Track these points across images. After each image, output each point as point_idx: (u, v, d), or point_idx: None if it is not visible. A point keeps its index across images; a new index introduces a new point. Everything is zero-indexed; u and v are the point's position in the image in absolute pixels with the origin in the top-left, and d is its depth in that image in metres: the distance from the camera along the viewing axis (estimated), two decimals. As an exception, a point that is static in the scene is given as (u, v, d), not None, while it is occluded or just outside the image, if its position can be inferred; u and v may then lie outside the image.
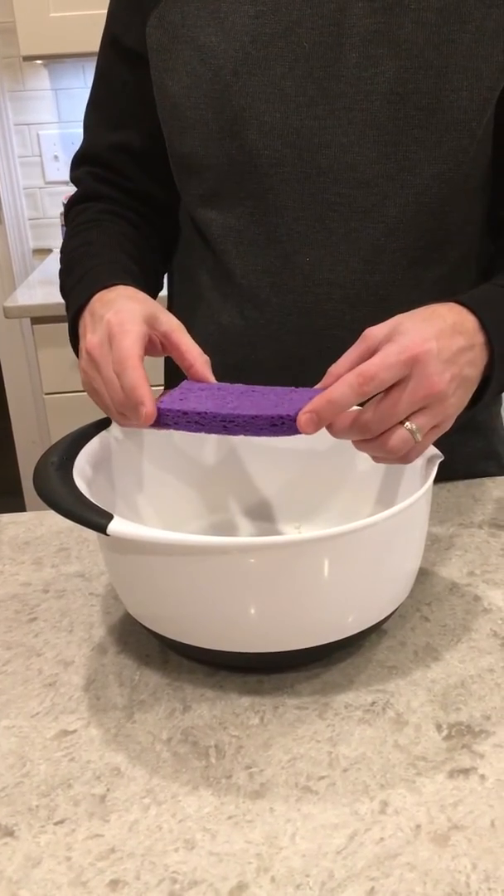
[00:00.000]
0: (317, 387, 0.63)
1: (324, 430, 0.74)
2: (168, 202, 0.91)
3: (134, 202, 0.91)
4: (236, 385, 0.66)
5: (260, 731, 0.57)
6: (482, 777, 0.53)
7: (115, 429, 0.71)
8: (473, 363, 0.65)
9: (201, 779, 0.54)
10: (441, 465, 0.65)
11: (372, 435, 0.60)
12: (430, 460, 0.65)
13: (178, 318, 0.90)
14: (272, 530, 0.77)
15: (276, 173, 0.80)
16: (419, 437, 0.61)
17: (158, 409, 0.62)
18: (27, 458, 2.62)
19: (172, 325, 0.69)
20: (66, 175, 2.32)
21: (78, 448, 0.66)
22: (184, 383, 0.68)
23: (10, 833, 0.51)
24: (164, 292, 1.00)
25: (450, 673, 0.62)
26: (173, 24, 0.80)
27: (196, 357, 0.68)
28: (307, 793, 0.52)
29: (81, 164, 0.93)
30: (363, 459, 0.73)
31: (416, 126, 0.77)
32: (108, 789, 0.53)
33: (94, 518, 0.56)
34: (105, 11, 0.88)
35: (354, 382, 0.58)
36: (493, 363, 0.67)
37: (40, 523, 0.86)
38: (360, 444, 0.62)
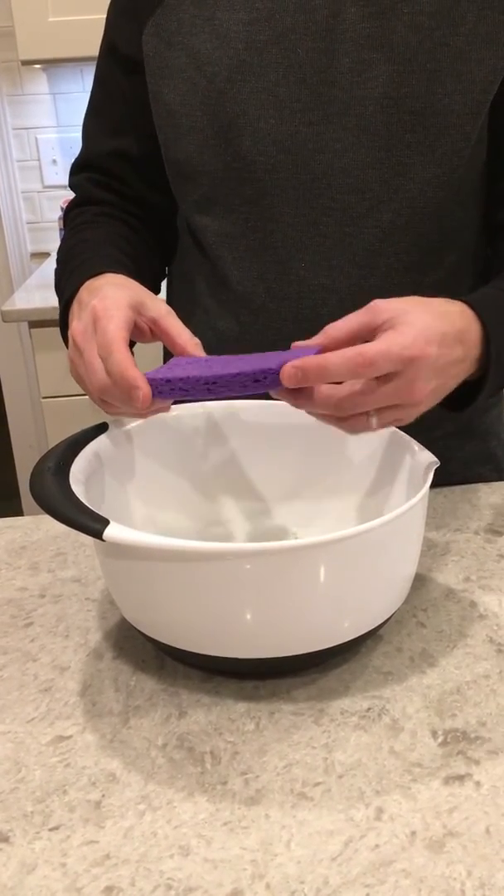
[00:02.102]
0: (310, 341, 0.62)
1: (319, 439, 0.74)
2: (166, 208, 0.91)
3: (133, 207, 0.91)
4: (225, 356, 0.65)
5: (255, 737, 0.57)
6: (477, 784, 0.53)
7: (111, 434, 0.71)
8: (458, 377, 0.66)
9: (196, 785, 0.54)
10: (438, 470, 0.65)
11: (337, 414, 0.60)
12: (427, 466, 0.65)
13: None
14: (268, 536, 0.77)
15: (271, 179, 0.80)
16: (374, 424, 0.61)
17: None
18: (24, 461, 2.62)
19: (161, 311, 0.68)
20: (64, 179, 2.32)
21: (75, 453, 0.66)
22: (172, 360, 0.67)
23: (4, 839, 0.51)
24: (161, 296, 1.00)
25: (446, 679, 0.62)
26: (169, 31, 0.80)
27: (187, 341, 0.67)
28: (302, 799, 0.52)
29: (80, 170, 0.93)
30: (360, 465, 0.73)
31: (410, 130, 0.77)
32: (103, 795, 0.53)
33: (90, 523, 0.56)
34: (104, 16, 0.89)
35: (353, 359, 0.57)
36: (487, 372, 0.67)
37: (37, 528, 0.86)
38: (319, 414, 0.62)
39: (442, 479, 0.73)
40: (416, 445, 0.68)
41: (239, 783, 0.54)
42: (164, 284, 0.99)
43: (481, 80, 0.76)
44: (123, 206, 0.90)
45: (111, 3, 0.88)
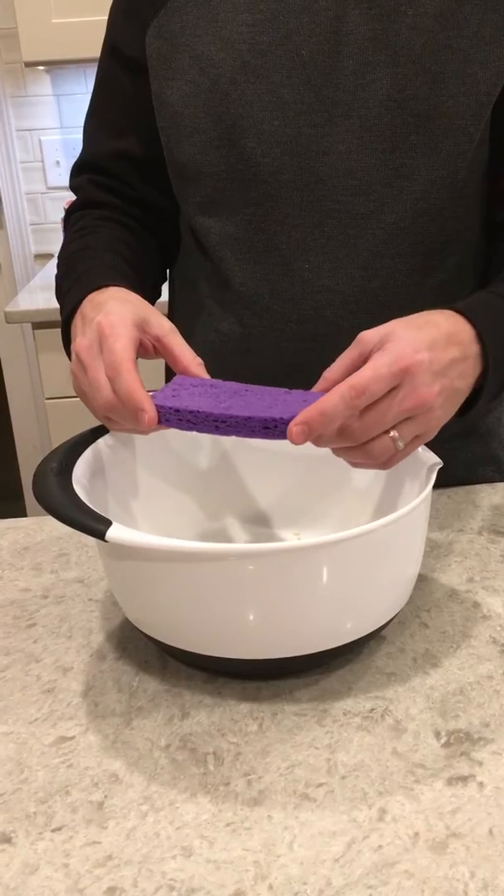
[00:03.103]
0: (312, 390, 0.63)
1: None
2: (168, 210, 0.91)
3: (134, 209, 0.91)
4: (229, 383, 0.65)
5: (258, 737, 0.57)
6: (480, 784, 0.52)
7: (114, 435, 0.71)
8: (464, 375, 0.65)
9: (199, 786, 0.54)
10: (441, 471, 0.65)
11: (356, 443, 0.60)
12: (430, 467, 0.65)
13: (179, 325, 0.90)
14: (271, 537, 0.77)
15: (275, 181, 0.80)
16: (401, 445, 0.61)
17: None
18: (28, 462, 2.62)
19: (164, 329, 0.69)
20: (67, 180, 2.33)
21: (77, 454, 0.66)
22: (176, 378, 0.67)
23: (7, 840, 0.51)
24: (164, 298, 1.00)
25: (449, 680, 0.62)
26: (173, 33, 0.80)
27: (190, 361, 0.68)
28: (305, 800, 0.52)
29: (81, 171, 0.93)
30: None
31: (414, 132, 0.77)
32: (105, 796, 0.53)
33: (93, 524, 0.56)
34: (106, 18, 0.89)
35: (346, 395, 0.58)
36: (486, 373, 0.67)
37: (40, 529, 0.86)
38: (342, 450, 0.62)
39: (444, 480, 0.73)
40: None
41: (242, 784, 0.53)
42: (165, 286, 0.99)
43: (485, 82, 0.76)
44: (125, 209, 0.90)
45: (113, 5, 0.88)
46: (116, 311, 0.67)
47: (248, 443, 0.76)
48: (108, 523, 0.56)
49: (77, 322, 0.73)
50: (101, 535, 0.55)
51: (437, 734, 0.57)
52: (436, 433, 0.64)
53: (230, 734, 0.58)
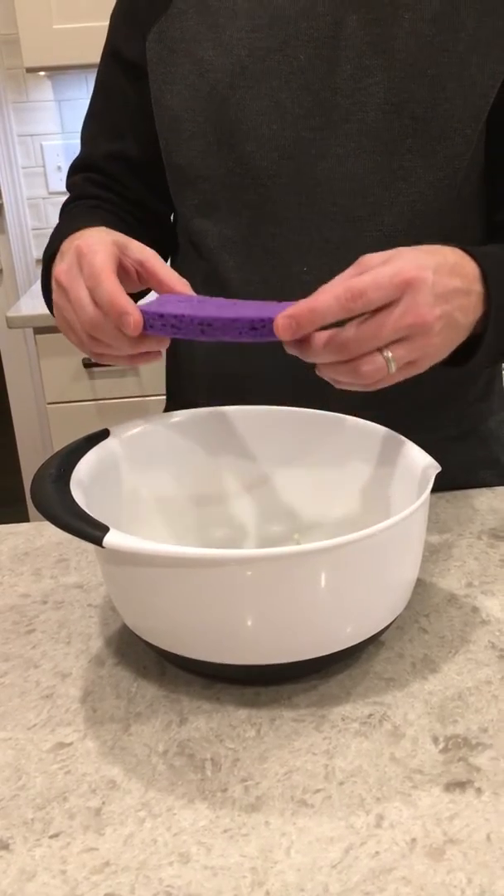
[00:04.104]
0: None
1: (321, 444, 0.74)
2: (164, 212, 0.91)
3: (131, 208, 0.91)
4: (217, 298, 0.64)
5: (256, 743, 0.57)
6: (478, 790, 0.52)
7: (113, 440, 0.71)
8: (466, 310, 0.63)
9: (197, 792, 0.53)
10: (440, 474, 0.64)
11: (347, 357, 0.58)
12: (428, 472, 0.64)
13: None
14: (270, 542, 0.77)
15: (273, 184, 0.80)
16: (393, 367, 0.59)
17: None
18: (30, 466, 2.63)
19: (146, 254, 0.67)
20: (69, 185, 2.34)
21: (76, 459, 0.66)
22: (161, 296, 0.65)
23: (4, 846, 0.51)
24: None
25: (447, 685, 0.61)
26: (173, 39, 0.81)
27: (175, 282, 0.66)
28: (303, 806, 0.52)
29: (78, 171, 0.93)
30: (361, 469, 0.73)
31: (411, 135, 0.77)
32: (103, 802, 0.53)
33: (91, 530, 0.56)
34: (107, 23, 0.89)
35: (342, 296, 0.56)
36: (488, 317, 0.65)
37: (39, 534, 0.86)
38: (329, 367, 0.60)
39: (444, 484, 0.73)
40: (417, 450, 0.68)
41: (239, 790, 0.53)
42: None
43: (481, 85, 0.77)
44: (120, 205, 0.90)
45: (115, 10, 0.88)
46: (95, 235, 0.66)
47: (249, 445, 0.76)
48: (106, 529, 0.56)
49: (56, 260, 0.70)
50: (98, 541, 0.55)
51: (435, 740, 0.56)
52: (428, 365, 0.62)
53: (228, 740, 0.57)
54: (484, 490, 0.89)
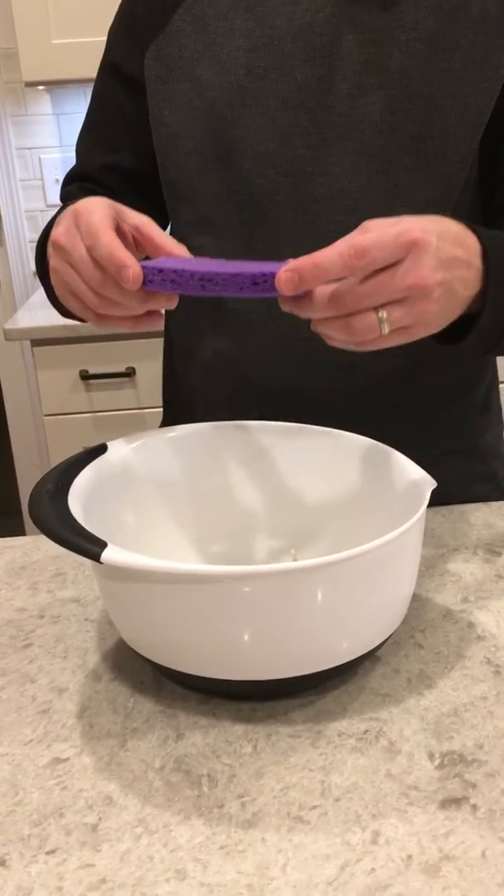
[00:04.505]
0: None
1: (318, 459, 0.74)
2: (159, 225, 0.92)
3: None
4: (217, 259, 0.64)
5: (253, 759, 0.57)
6: (474, 807, 0.52)
7: (111, 455, 0.71)
8: (466, 282, 0.63)
9: (193, 808, 0.54)
10: (436, 489, 0.65)
11: (342, 311, 0.58)
12: (424, 487, 0.65)
13: (175, 347, 0.91)
14: (266, 557, 0.77)
15: (270, 201, 0.81)
16: (386, 329, 0.58)
17: None
18: (26, 479, 2.63)
19: (142, 219, 0.67)
20: (67, 198, 2.34)
21: (74, 474, 0.67)
22: (160, 258, 0.64)
23: (1, 863, 0.50)
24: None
25: (443, 701, 0.62)
26: (171, 56, 0.82)
27: (173, 246, 0.65)
28: (299, 822, 0.52)
29: (72, 181, 0.94)
30: (357, 484, 0.73)
31: (407, 153, 0.78)
32: (100, 818, 0.53)
33: (88, 546, 0.56)
34: (105, 39, 0.90)
35: (345, 253, 0.55)
36: (486, 295, 0.65)
37: (36, 548, 0.86)
38: (323, 322, 0.60)
39: (440, 498, 0.74)
40: (412, 465, 0.68)
41: (235, 806, 0.53)
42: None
43: (477, 103, 0.77)
44: None
45: (113, 25, 0.89)
46: (91, 199, 0.65)
47: (247, 460, 0.77)
48: (104, 545, 0.56)
49: (53, 228, 0.69)
50: (96, 557, 0.55)
51: (431, 756, 0.57)
52: (421, 335, 0.61)
53: (224, 756, 0.58)
54: (479, 505, 0.89)
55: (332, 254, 0.56)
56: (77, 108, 2.40)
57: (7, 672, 0.67)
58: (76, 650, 0.70)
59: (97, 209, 0.63)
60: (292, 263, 0.56)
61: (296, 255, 0.82)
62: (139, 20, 0.84)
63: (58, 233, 0.65)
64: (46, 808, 0.54)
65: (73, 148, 0.94)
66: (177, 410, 0.99)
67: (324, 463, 0.75)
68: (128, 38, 0.86)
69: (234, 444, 0.77)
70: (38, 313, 2.09)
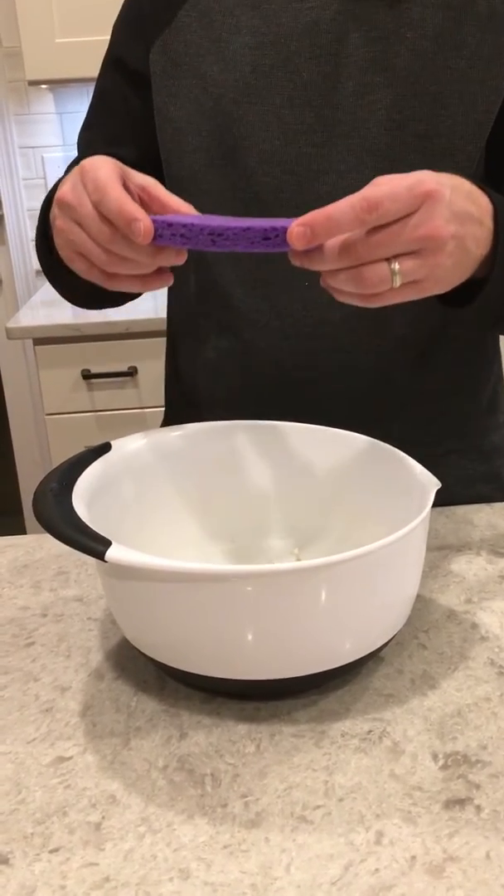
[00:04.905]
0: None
1: (321, 459, 0.74)
2: None
3: None
4: (225, 216, 0.63)
5: (256, 759, 0.57)
6: (478, 808, 0.52)
7: (114, 453, 0.71)
8: (478, 240, 0.62)
9: (197, 807, 0.53)
10: (440, 489, 0.65)
11: (354, 262, 0.57)
12: (428, 488, 0.65)
13: (178, 347, 0.90)
14: (269, 556, 0.77)
15: (275, 199, 0.81)
16: (398, 282, 0.57)
17: None
18: (28, 478, 2.63)
19: (148, 180, 0.66)
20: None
21: (78, 473, 0.67)
22: (168, 215, 0.63)
23: (4, 861, 0.50)
24: (163, 315, 1.00)
25: (447, 701, 0.62)
26: (176, 52, 0.81)
27: (180, 205, 0.64)
28: (302, 822, 0.52)
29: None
30: (361, 485, 0.73)
31: (413, 151, 0.78)
32: (103, 817, 0.53)
33: (93, 545, 0.56)
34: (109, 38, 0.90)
35: (357, 206, 0.55)
36: (494, 256, 0.64)
37: (39, 546, 0.86)
38: (333, 275, 0.59)
39: (445, 498, 0.74)
40: (417, 466, 0.68)
41: (239, 806, 0.53)
42: (163, 303, 0.99)
43: (483, 101, 0.77)
44: None
45: (118, 20, 0.89)
46: (96, 157, 0.64)
47: (250, 459, 0.77)
48: (108, 543, 0.56)
49: (57, 192, 0.67)
50: (100, 556, 0.55)
51: (435, 756, 0.57)
52: (433, 289, 0.60)
53: (228, 755, 0.58)
54: (483, 506, 0.89)
55: (344, 206, 0.55)
56: (80, 108, 2.40)
57: (10, 670, 0.67)
58: (79, 649, 0.69)
59: (103, 165, 0.62)
60: (304, 217, 0.55)
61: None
62: (145, 14, 0.84)
63: (63, 191, 0.64)
64: (50, 807, 0.54)
65: (76, 147, 0.94)
66: (179, 410, 0.99)
67: (327, 463, 0.75)
68: (133, 32, 0.86)
69: (237, 443, 0.77)
70: (41, 312, 2.09)
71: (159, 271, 0.64)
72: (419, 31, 0.76)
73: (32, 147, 2.48)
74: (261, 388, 0.88)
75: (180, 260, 0.63)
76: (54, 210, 0.66)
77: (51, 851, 0.51)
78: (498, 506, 0.89)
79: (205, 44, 0.80)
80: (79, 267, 0.66)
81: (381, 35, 0.77)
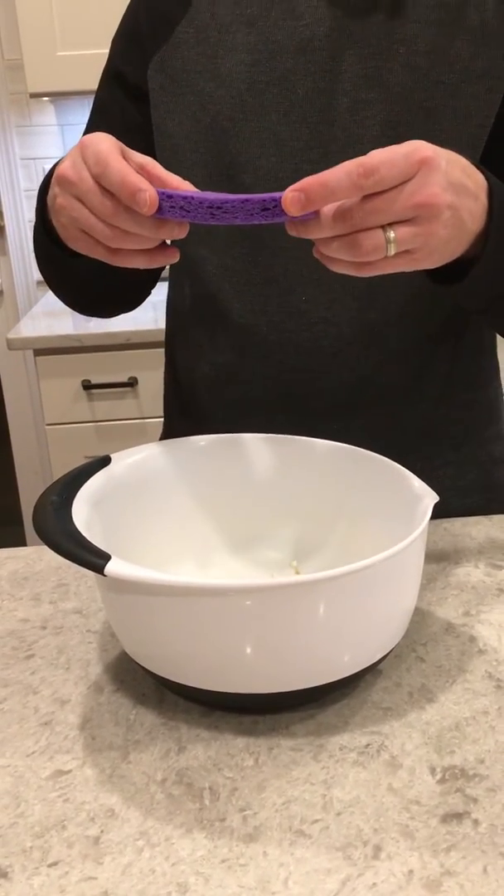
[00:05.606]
0: None
1: (319, 472, 0.75)
2: None
3: None
4: (222, 193, 0.63)
5: (254, 772, 0.57)
6: (475, 822, 0.53)
7: (114, 466, 0.72)
8: (472, 214, 0.61)
9: (195, 821, 0.54)
10: (440, 502, 0.65)
11: (350, 229, 0.57)
12: (427, 501, 0.65)
13: (176, 355, 0.90)
14: (268, 569, 0.77)
15: (273, 216, 0.81)
16: (392, 250, 0.57)
17: None
18: (28, 488, 2.63)
19: (147, 159, 0.65)
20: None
21: (78, 486, 0.67)
22: (169, 189, 0.63)
23: (3, 875, 0.51)
24: (161, 326, 1.01)
25: (444, 715, 0.62)
26: (174, 68, 0.82)
27: (179, 182, 0.64)
28: (300, 836, 0.52)
29: None
30: (359, 498, 0.74)
31: None
32: (101, 831, 0.53)
33: (92, 559, 0.56)
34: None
35: (353, 171, 0.54)
36: (487, 234, 0.64)
37: (39, 558, 0.86)
38: (327, 243, 0.58)
39: (442, 510, 0.74)
40: (414, 479, 0.68)
41: (237, 820, 0.54)
42: (163, 314, 1.00)
43: (477, 115, 0.78)
44: None
45: (117, 34, 0.90)
46: (96, 133, 0.64)
47: (249, 471, 0.77)
48: (108, 557, 0.56)
49: (57, 169, 0.67)
50: (99, 570, 0.56)
51: (433, 770, 0.57)
52: (425, 264, 0.60)
53: (226, 769, 0.58)
54: (481, 518, 0.90)
55: (339, 172, 0.54)
56: (81, 120, 2.41)
57: (9, 683, 0.68)
58: (78, 661, 0.70)
59: (104, 139, 0.62)
60: (299, 183, 0.55)
61: (297, 269, 0.84)
62: (143, 30, 0.85)
63: (63, 167, 0.63)
64: (48, 821, 0.54)
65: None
66: (178, 421, 0.99)
67: (326, 475, 0.75)
68: (131, 46, 0.87)
69: (236, 456, 0.77)
70: (41, 323, 2.10)
71: (163, 246, 0.64)
72: (412, 47, 0.77)
73: (34, 158, 2.49)
74: (259, 400, 0.89)
75: (182, 233, 0.62)
76: (54, 189, 0.65)
77: (49, 865, 0.51)
78: (496, 518, 0.89)
79: (201, 60, 0.81)
80: (82, 246, 0.65)
81: (375, 51, 0.77)
